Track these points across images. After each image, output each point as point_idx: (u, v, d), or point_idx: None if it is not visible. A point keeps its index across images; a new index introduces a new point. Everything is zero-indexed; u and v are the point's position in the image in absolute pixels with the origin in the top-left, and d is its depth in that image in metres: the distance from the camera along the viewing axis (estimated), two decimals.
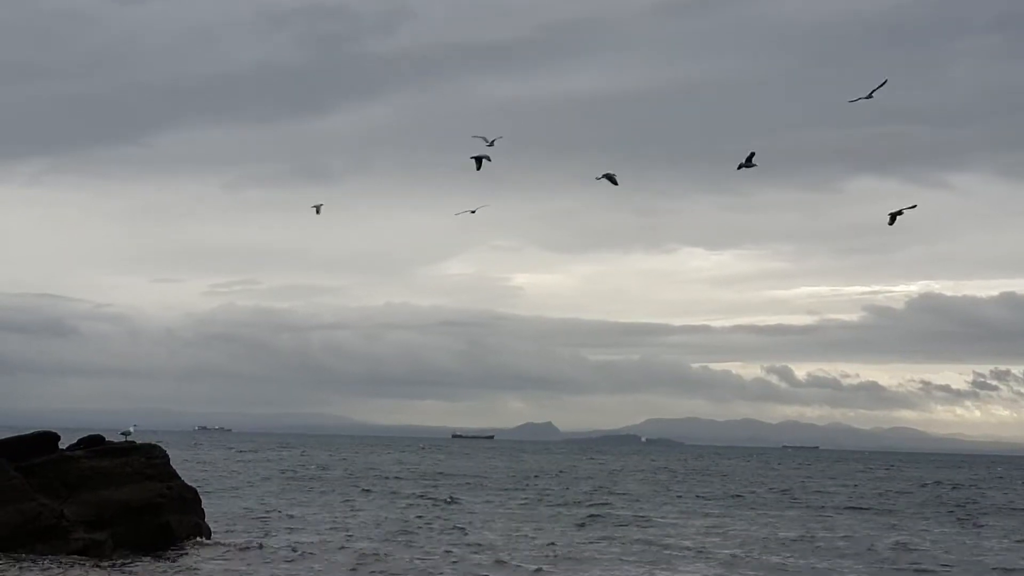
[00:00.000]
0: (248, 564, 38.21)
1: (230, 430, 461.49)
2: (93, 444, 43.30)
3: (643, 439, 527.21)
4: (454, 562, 40.60)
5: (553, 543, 46.38)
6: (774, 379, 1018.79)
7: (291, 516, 55.28)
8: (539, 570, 39.08)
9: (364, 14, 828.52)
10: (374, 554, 41.76)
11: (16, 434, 43.33)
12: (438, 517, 57.77)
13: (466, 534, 49.74)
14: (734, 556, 44.24)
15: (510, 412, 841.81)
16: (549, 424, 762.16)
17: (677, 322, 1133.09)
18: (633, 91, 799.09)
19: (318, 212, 48.24)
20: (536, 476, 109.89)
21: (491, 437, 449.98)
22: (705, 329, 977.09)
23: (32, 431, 43.45)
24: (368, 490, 78.41)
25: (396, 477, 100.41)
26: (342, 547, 43.33)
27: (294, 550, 41.99)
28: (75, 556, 37.16)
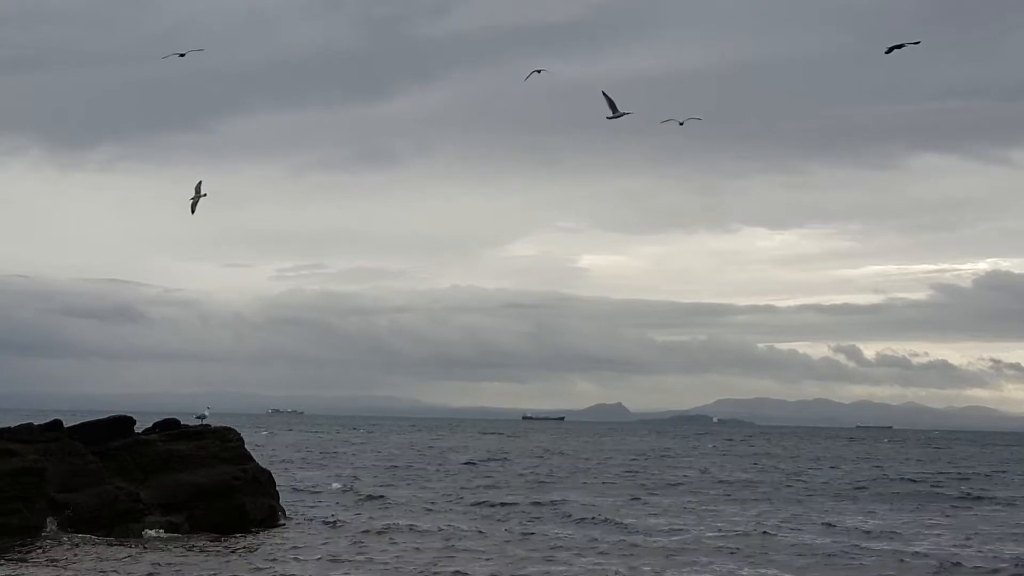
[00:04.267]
0: (322, 545, 38.30)
1: (302, 413, 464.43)
2: (168, 428, 43.70)
3: (715, 419, 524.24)
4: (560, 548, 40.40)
5: None
6: (842, 358, 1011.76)
7: (372, 498, 55.23)
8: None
9: None
10: (460, 534, 41.73)
11: (92, 418, 43.80)
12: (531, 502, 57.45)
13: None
14: None
15: (579, 393, 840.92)
16: (619, 405, 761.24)
17: (742, 302, 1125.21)
18: (692, 70, 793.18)
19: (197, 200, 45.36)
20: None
21: (562, 419, 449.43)
22: (770, 309, 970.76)
23: (107, 415, 43.91)
24: (451, 470, 78.10)
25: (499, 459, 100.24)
26: (425, 529, 43.02)
27: (370, 531, 42.00)
28: (152, 538, 37.58)
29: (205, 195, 41.36)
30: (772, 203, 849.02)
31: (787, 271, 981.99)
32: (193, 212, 41.54)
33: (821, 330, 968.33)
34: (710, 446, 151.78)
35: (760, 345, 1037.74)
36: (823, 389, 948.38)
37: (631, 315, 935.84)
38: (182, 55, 40.78)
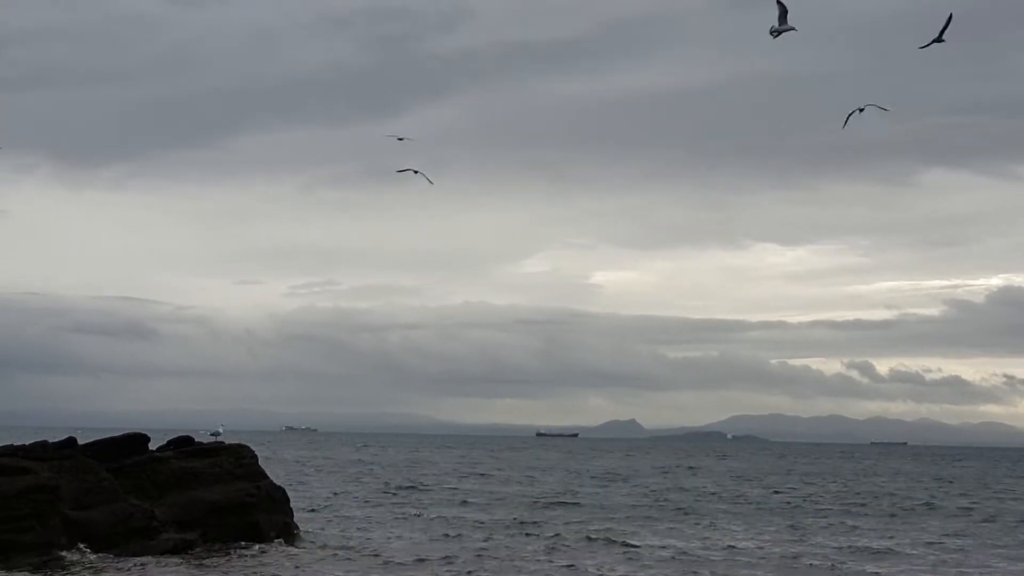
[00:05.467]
0: (336, 563, 38.17)
1: (316, 430, 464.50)
2: (183, 445, 43.65)
3: (729, 436, 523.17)
4: None
5: None
6: (855, 374, 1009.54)
7: (386, 519, 54.64)
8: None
9: (423, 14, 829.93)
10: (471, 557, 41.54)
11: (105, 436, 43.76)
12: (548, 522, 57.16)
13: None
14: None
15: (592, 410, 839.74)
16: (633, 421, 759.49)
17: (754, 318, 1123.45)
18: (701, 86, 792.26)
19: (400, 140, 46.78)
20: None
21: (576, 435, 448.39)
22: (782, 325, 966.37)
23: (121, 432, 43.88)
24: (466, 500, 78.00)
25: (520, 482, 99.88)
26: (426, 556, 42.59)
27: (380, 553, 41.76)
28: (166, 555, 37.46)
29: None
30: (783, 219, 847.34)
31: (799, 287, 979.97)
32: None
33: (834, 346, 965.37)
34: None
35: (773, 361, 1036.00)
36: (837, 405, 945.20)
37: (643, 331, 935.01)
38: (400, 139, 40.90)
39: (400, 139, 43.94)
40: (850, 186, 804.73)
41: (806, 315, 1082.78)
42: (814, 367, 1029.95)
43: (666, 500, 72.11)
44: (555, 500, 69.63)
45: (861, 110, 36.71)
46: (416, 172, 43.61)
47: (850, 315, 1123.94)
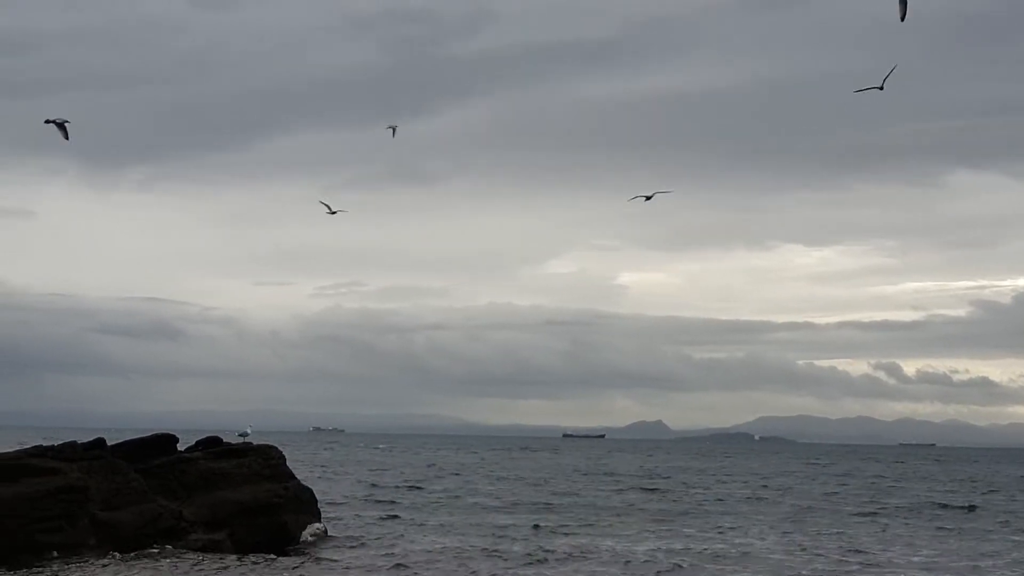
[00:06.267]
0: (363, 564, 38.25)
1: (343, 431, 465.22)
2: (211, 445, 43.79)
3: (756, 437, 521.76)
4: None
5: None
6: (882, 375, 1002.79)
7: (412, 521, 54.54)
8: None
9: (446, 16, 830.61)
10: (495, 558, 41.61)
11: (134, 436, 43.96)
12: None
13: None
14: None
15: (619, 411, 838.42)
16: (660, 422, 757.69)
17: (780, 319, 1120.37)
18: (727, 87, 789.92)
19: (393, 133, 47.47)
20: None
21: (602, 436, 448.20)
22: (808, 326, 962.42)
23: (149, 433, 44.06)
24: (490, 505, 77.92)
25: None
26: (451, 556, 42.64)
27: (407, 554, 41.84)
28: (194, 556, 37.61)
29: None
30: (809, 220, 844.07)
31: (825, 288, 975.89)
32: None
33: (861, 347, 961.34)
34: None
35: (800, 362, 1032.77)
36: (864, 406, 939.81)
37: (669, 332, 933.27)
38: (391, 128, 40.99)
39: (392, 128, 44.05)
40: (876, 187, 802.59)
41: (833, 316, 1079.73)
42: (841, 368, 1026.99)
43: (681, 500, 71.94)
44: (573, 500, 69.56)
45: (880, 88, 37.60)
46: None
47: (877, 316, 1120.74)
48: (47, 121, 39.27)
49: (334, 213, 47.68)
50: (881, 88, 37.04)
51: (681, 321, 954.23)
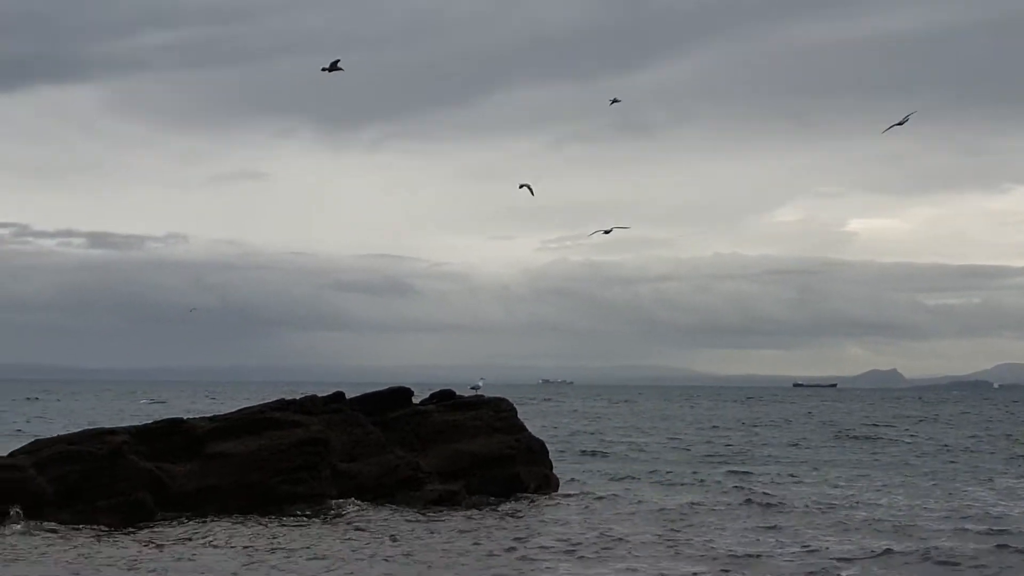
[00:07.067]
0: (598, 513, 38.45)
1: (572, 383, 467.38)
2: (444, 398, 44.61)
3: (996, 385, 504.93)
4: None
5: None
6: None
7: (653, 472, 54.03)
8: None
9: None
10: (719, 513, 41.42)
11: (369, 390, 45.05)
12: None
13: None
14: None
15: (850, 360, 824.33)
16: (894, 371, 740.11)
17: (1018, 263, 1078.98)
18: (956, 27, 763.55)
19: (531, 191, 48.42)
20: None
21: (834, 386, 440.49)
22: None
23: (384, 387, 45.11)
24: (720, 453, 77.49)
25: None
26: (682, 506, 42.48)
27: (640, 504, 41.84)
28: (431, 505, 38.49)
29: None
30: None
31: None
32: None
33: None
34: None
35: None
36: None
37: (901, 279, 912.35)
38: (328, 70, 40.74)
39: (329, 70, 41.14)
40: None
41: None
42: None
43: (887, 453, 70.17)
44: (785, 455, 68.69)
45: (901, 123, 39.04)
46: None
47: None
48: (323, 69, 39.85)
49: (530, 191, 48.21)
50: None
51: (913, 267, 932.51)
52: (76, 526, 33.64)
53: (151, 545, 31.32)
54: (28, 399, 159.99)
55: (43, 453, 35.80)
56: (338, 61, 39.48)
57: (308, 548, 31.04)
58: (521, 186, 47.37)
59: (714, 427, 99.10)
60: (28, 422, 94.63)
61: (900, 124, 41.15)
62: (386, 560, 29.68)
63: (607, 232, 49.22)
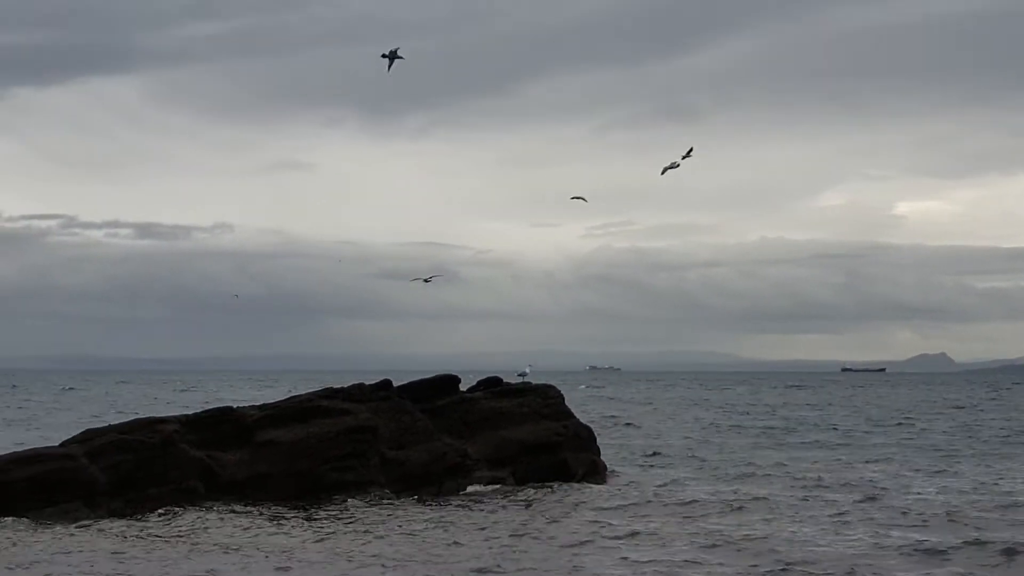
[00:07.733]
0: (642, 504, 38.32)
1: (619, 369, 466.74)
2: (492, 385, 44.65)
3: None
4: None
5: None
6: None
7: (704, 460, 53.24)
8: None
9: None
10: (772, 508, 41.26)
11: (415, 378, 45.13)
12: None
13: None
14: None
15: (899, 344, 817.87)
16: (943, 355, 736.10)
17: None
18: (1007, 7, 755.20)
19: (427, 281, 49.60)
20: None
21: (883, 370, 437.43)
22: None
23: (431, 375, 45.18)
24: (779, 441, 77.23)
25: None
26: (728, 500, 42.21)
27: (687, 496, 41.62)
28: (480, 491, 38.60)
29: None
30: None
31: None
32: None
33: None
34: None
35: None
36: None
37: (949, 262, 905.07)
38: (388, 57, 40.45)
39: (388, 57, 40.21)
40: None
41: None
42: None
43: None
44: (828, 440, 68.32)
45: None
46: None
47: None
48: (383, 56, 39.51)
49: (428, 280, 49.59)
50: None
51: (961, 250, 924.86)
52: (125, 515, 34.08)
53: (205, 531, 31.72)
54: (63, 389, 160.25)
55: (95, 443, 36.13)
56: (398, 49, 39.21)
57: (357, 534, 31.22)
58: (573, 198, 47.57)
59: (765, 412, 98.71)
60: (69, 410, 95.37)
61: (674, 167, 41.13)
62: (433, 548, 29.76)
63: (427, 280, 50.71)
